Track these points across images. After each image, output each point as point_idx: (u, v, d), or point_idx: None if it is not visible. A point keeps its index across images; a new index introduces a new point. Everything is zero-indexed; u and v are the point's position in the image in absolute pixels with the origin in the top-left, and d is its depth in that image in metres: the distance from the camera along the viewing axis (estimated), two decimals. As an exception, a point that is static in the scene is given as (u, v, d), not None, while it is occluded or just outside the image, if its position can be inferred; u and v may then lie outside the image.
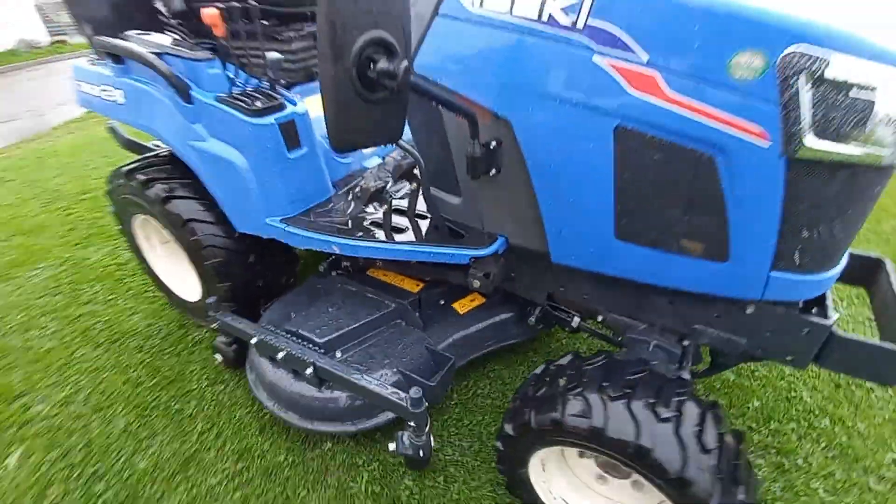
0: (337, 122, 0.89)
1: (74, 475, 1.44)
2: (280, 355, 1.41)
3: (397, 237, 1.39)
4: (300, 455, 1.49)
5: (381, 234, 1.41)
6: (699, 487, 0.90)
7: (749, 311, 1.12)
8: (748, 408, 1.62)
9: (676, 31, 0.86)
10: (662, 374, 1.11)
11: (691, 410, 0.98)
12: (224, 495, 1.38)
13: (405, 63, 0.88)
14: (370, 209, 1.54)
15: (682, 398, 1.00)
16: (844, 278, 1.34)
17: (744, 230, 0.96)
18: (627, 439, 0.94)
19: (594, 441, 1.00)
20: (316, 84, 1.73)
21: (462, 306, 1.65)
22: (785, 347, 1.14)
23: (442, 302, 1.66)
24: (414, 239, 1.38)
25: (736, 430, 1.03)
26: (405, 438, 1.25)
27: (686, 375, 1.16)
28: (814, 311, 1.13)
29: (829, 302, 1.14)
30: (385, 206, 1.41)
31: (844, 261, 1.07)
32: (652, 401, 0.98)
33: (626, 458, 0.97)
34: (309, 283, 1.76)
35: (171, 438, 1.54)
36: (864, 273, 1.33)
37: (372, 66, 0.87)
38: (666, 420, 0.95)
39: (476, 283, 1.36)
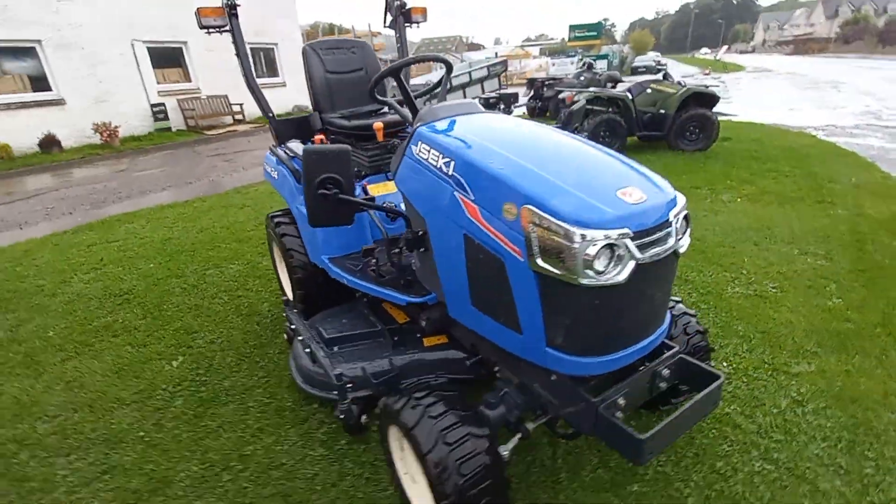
0: (311, 214, 1.74)
1: (203, 373, 2.56)
2: (299, 338, 2.29)
3: (374, 280, 2.15)
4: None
5: (368, 276, 2.20)
6: (434, 463, 1.39)
7: (553, 377, 1.53)
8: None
9: (485, 185, 1.46)
10: (462, 404, 1.57)
11: (459, 431, 1.45)
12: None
13: (342, 189, 1.69)
14: (372, 260, 2.34)
15: (459, 421, 1.47)
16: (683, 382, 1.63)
17: (524, 312, 1.44)
18: (409, 424, 1.48)
19: (403, 429, 1.55)
20: (380, 175, 2.66)
21: (429, 340, 2.28)
22: (574, 414, 1.50)
23: (418, 335, 2.32)
24: (377, 281, 2.13)
25: (496, 452, 1.46)
26: (337, 407, 1.95)
27: (498, 413, 1.60)
28: (612, 389, 1.48)
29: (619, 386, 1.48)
30: (372, 259, 2.20)
31: (628, 351, 1.42)
32: (441, 413, 1.49)
33: (407, 437, 1.51)
34: (349, 303, 2.63)
35: (265, 374, 2.56)
36: (697, 382, 1.56)
37: (328, 188, 1.70)
38: (434, 418, 1.46)
39: (422, 323, 2.02)
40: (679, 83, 7.88)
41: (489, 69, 10.70)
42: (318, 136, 2.82)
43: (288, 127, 3.01)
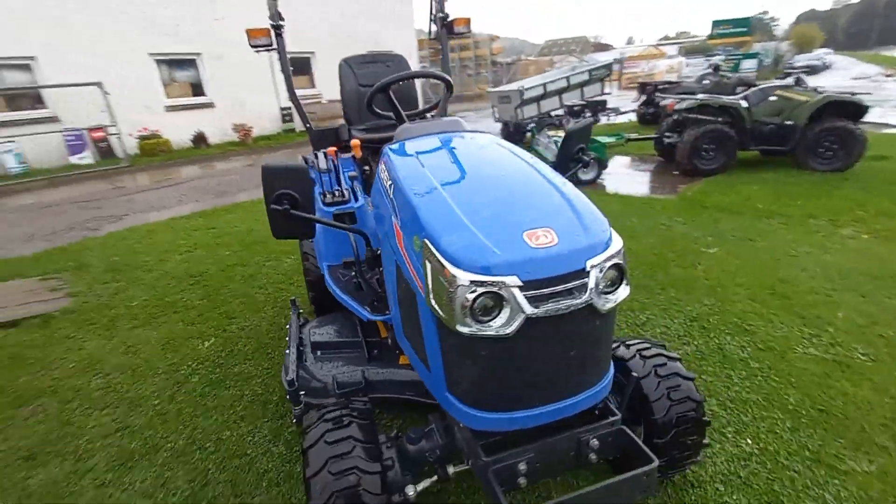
0: (272, 227, 1.83)
1: (224, 356, 2.86)
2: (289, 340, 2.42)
3: (348, 293, 2.20)
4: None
5: (346, 287, 2.25)
6: (315, 489, 1.35)
7: (460, 424, 1.41)
8: None
9: (406, 213, 1.41)
10: (369, 435, 1.50)
11: (346, 462, 1.39)
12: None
13: (296, 205, 1.74)
14: (352, 272, 2.37)
15: (350, 451, 1.41)
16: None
17: (430, 350, 1.36)
18: (305, 444, 1.46)
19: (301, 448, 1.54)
20: None
21: (404, 359, 2.26)
22: (476, 468, 1.36)
23: (397, 351, 2.31)
24: (350, 294, 2.16)
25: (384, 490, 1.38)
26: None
27: (416, 448, 1.52)
28: (510, 452, 1.33)
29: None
30: (352, 272, 2.25)
31: (532, 413, 1.26)
32: (337, 440, 1.45)
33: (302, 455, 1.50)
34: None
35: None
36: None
37: (283, 203, 1.77)
38: (328, 444, 1.43)
39: (388, 341, 2.02)
40: (815, 90, 6.63)
41: (591, 73, 10.08)
42: (355, 142, 2.91)
43: (326, 136, 3.20)
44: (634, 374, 1.66)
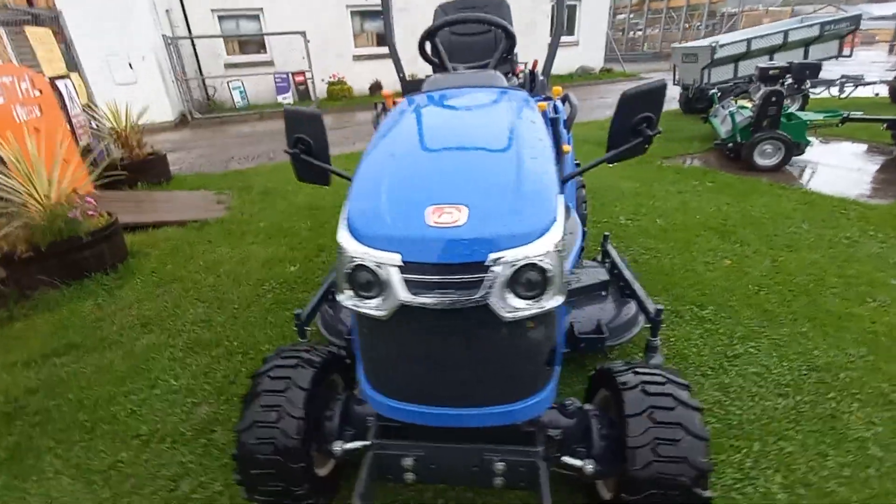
0: (294, 170, 1.90)
1: (298, 283, 3.23)
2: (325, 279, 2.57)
3: None
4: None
5: None
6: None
7: None
8: None
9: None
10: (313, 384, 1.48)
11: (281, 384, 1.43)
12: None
13: (310, 151, 1.76)
14: None
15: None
16: None
17: None
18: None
19: None
20: None
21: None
22: None
23: None
24: None
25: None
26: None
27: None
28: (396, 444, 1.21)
29: None
30: None
31: (410, 408, 1.12)
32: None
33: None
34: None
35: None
36: None
37: (300, 147, 1.81)
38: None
39: None
40: None
41: (824, 27, 7.67)
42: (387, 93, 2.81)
43: (416, 85, 3.15)
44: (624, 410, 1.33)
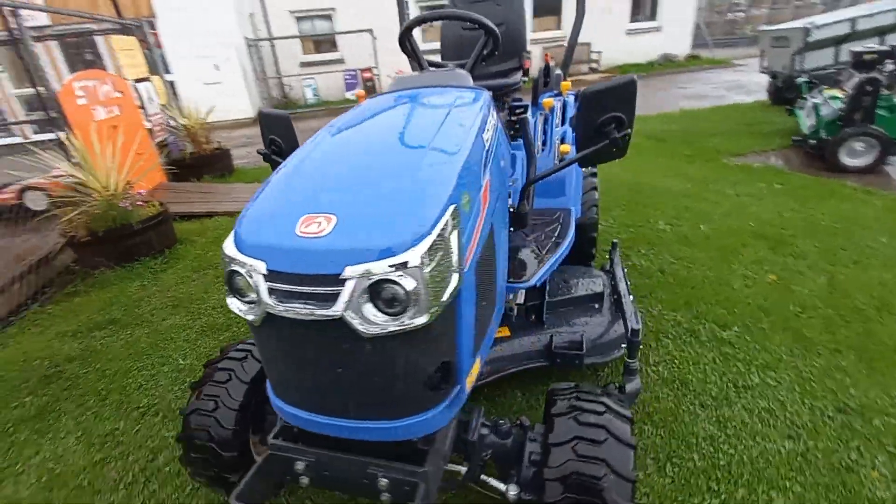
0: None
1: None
2: None
3: None
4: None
5: None
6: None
7: None
8: None
9: None
10: None
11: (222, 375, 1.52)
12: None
13: (280, 151, 1.82)
14: None
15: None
16: None
17: None
18: None
19: None
20: None
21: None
22: None
23: None
24: None
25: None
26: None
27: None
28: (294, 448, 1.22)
29: None
30: None
31: (292, 411, 1.12)
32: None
33: None
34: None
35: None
36: None
37: (273, 148, 1.86)
38: None
39: None
40: None
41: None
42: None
43: None
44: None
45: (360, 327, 0.93)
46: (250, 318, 1.03)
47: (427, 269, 0.93)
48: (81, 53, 10.72)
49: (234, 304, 1.07)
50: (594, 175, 2.81)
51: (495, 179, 1.44)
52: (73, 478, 1.90)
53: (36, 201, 4.81)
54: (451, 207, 1.02)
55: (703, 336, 2.40)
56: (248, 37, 11.41)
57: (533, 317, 2.15)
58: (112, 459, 1.96)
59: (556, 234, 2.16)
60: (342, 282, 0.91)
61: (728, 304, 2.63)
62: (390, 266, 0.90)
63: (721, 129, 6.76)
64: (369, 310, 0.93)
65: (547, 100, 2.66)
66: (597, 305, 2.22)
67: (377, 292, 0.93)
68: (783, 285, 2.78)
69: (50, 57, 8.82)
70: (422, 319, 0.94)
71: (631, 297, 2.03)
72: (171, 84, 10.82)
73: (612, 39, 14.46)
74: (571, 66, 2.99)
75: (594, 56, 14.55)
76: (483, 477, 1.39)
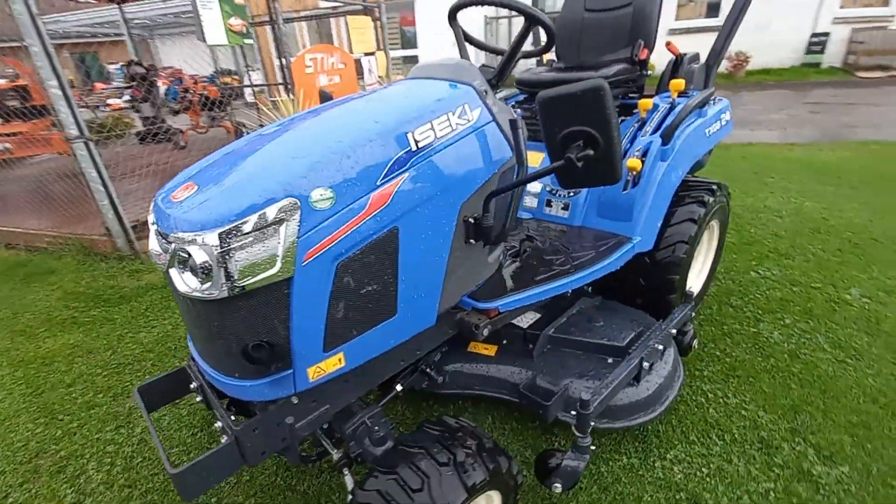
0: None
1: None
2: None
3: None
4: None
5: None
6: None
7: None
8: None
9: None
10: None
11: None
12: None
13: None
14: None
15: None
16: None
17: None
18: None
19: None
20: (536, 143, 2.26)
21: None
22: None
23: None
24: None
25: None
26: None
27: None
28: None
29: None
30: None
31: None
32: None
33: None
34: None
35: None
36: None
37: None
38: None
39: None
40: None
41: None
42: None
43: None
44: None
45: (178, 285, 1.07)
46: (162, 269, 1.25)
47: (222, 250, 0.99)
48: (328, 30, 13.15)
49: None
50: (701, 204, 2.12)
51: (429, 182, 1.30)
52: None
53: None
54: (286, 200, 1.03)
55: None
56: (486, 14, 12.08)
57: (530, 346, 1.89)
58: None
59: (574, 263, 1.80)
60: (169, 242, 1.07)
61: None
62: (189, 239, 1.01)
63: None
64: (185, 273, 1.06)
65: (644, 101, 2.15)
66: (610, 360, 1.79)
67: (183, 259, 1.05)
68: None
69: (301, 34, 11.26)
70: (217, 293, 1.01)
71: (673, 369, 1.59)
72: (416, 58, 12.51)
73: (770, 51, 9.99)
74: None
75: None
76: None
